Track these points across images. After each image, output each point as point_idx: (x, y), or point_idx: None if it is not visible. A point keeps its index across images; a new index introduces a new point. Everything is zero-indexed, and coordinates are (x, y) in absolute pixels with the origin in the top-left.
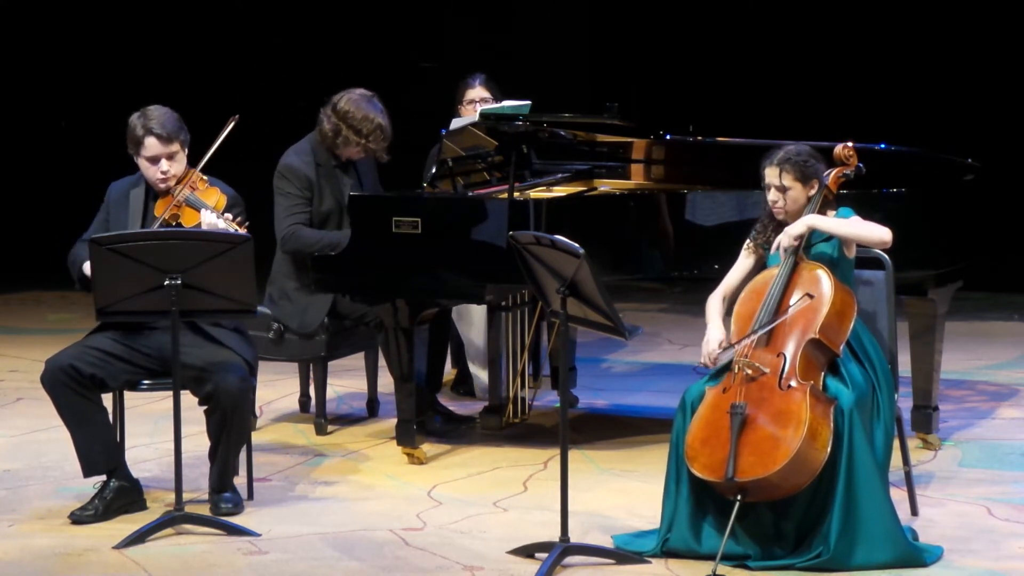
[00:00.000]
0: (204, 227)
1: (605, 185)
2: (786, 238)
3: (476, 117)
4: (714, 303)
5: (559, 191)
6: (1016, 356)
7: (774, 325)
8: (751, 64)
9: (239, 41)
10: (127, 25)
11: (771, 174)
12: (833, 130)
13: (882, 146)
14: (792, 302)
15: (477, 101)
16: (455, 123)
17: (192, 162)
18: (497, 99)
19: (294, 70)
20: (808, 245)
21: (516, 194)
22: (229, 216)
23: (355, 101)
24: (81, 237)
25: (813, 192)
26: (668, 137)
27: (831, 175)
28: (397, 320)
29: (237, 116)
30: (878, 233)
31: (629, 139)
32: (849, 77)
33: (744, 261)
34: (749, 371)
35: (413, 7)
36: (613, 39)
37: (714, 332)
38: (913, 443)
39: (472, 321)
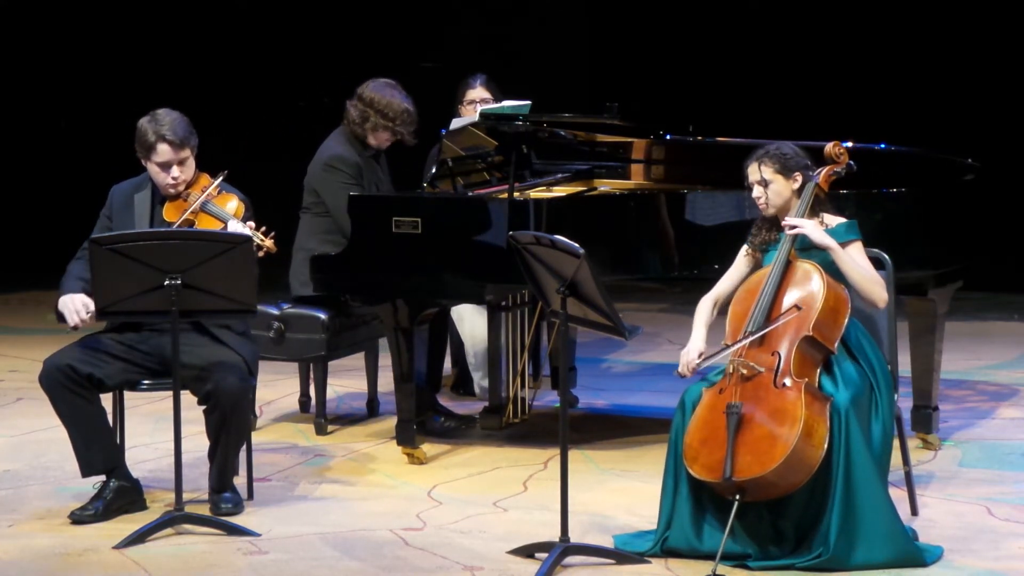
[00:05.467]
0: None
1: (605, 185)
2: (810, 232)
3: (476, 117)
4: (704, 307)
5: (559, 191)
6: (1016, 356)
7: (762, 333)
8: (751, 64)
9: (239, 42)
10: (127, 25)
11: (752, 171)
12: (833, 130)
13: (882, 146)
14: (783, 308)
15: (477, 101)
16: (455, 123)
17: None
18: (497, 99)
19: (294, 70)
20: (805, 244)
21: (516, 194)
22: (252, 225)
23: (379, 88)
24: (82, 246)
25: (797, 185)
26: (668, 137)
27: (822, 173)
28: (397, 320)
29: (225, 171)
30: (876, 293)
31: (629, 139)
32: (849, 77)
33: (741, 266)
34: (744, 371)
35: (413, 7)
36: (613, 39)
37: (695, 342)
38: (913, 443)
39: (466, 320)
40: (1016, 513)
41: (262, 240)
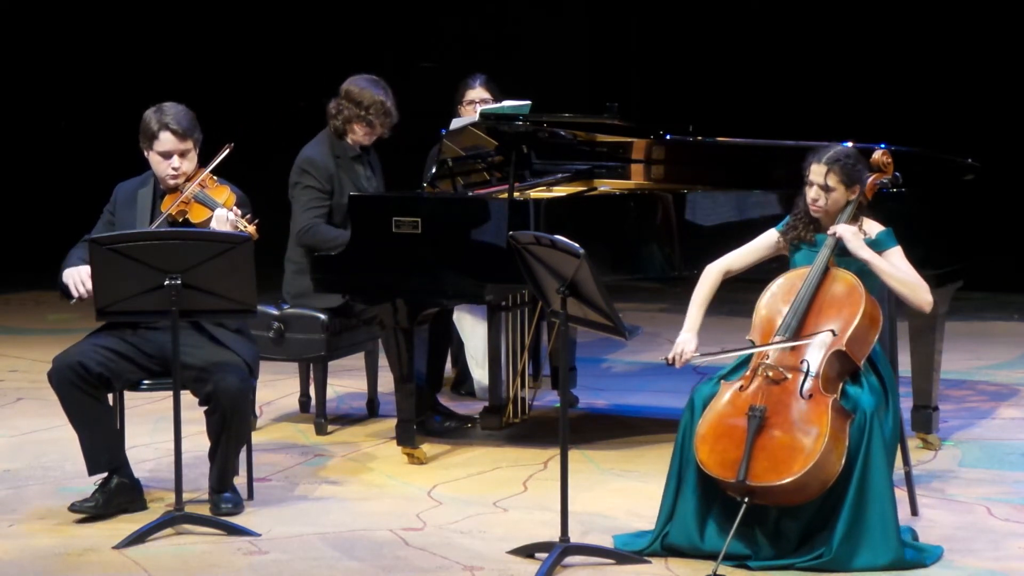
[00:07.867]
0: (214, 222)
1: (605, 185)
2: (849, 241)
3: (476, 117)
4: (709, 279)
5: (559, 191)
6: (1016, 356)
7: (788, 346)
8: (751, 64)
9: (239, 42)
10: (127, 25)
11: (817, 172)
12: (833, 130)
13: (882, 146)
14: (820, 318)
15: (477, 102)
16: (455, 123)
17: (202, 164)
18: (497, 99)
19: (294, 70)
20: (841, 249)
21: (516, 194)
22: (239, 212)
23: (356, 81)
24: (82, 238)
25: (854, 197)
26: (668, 137)
27: (868, 181)
28: (397, 320)
29: (231, 144)
30: (920, 297)
31: (629, 139)
32: (849, 77)
33: (761, 248)
34: (770, 374)
35: (413, 7)
36: (613, 39)
37: (690, 333)
38: (913, 443)
39: (467, 321)
40: (1016, 513)
41: (245, 226)
